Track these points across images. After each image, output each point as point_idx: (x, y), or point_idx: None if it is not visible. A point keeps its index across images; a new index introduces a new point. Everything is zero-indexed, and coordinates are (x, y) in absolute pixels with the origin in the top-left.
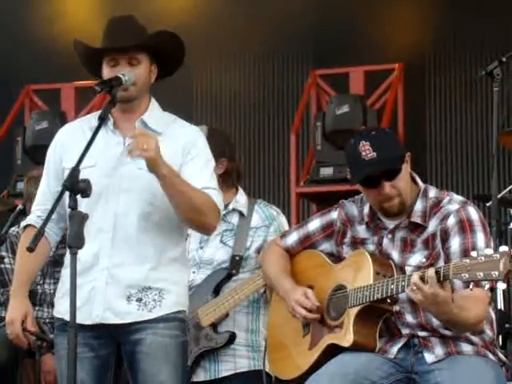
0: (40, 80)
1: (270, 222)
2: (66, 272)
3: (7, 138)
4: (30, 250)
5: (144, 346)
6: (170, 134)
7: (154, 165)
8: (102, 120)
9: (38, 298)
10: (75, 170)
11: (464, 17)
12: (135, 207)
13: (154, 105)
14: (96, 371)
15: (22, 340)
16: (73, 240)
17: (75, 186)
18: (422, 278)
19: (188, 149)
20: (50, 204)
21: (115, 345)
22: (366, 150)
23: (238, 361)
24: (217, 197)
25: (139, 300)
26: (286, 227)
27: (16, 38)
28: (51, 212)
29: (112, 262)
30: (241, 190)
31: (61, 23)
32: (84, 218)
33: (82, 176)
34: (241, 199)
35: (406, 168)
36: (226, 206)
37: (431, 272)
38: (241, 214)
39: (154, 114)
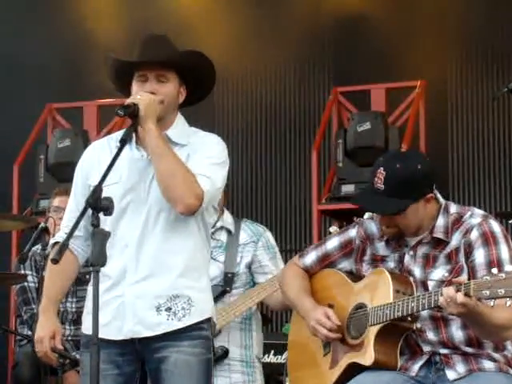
0: (62, 98)
1: (258, 238)
2: (91, 289)
3: (30, 157)
4: (55, 261)
5: (168, 364)
6: (193, 144)
7: (144, 116)
8: (124, 143)
9: (60, 316)
10: (98, 188)
11: (487, 33)
12: (158, 219)
13: (179, 120)
14: None
15: (50, 358)
16: (95, 258)
17: (98, 203)
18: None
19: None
20: None
21: (140, 362)
22: (379, 179)
23: (232, 376)
24: (204, 182)
25: (168, 309)
26: (273, 242)
27: (38, 57)
28: (75, 225)
29: (139, 276)
30: (226, 210)
31: (84, 42)
32: (107, 235)
33: (107, 193)
34: (227, 218)
35: (418, 207)
36: (213, 225)
37: (452, 292)
38: (228, 231)
39: (178, 129)
